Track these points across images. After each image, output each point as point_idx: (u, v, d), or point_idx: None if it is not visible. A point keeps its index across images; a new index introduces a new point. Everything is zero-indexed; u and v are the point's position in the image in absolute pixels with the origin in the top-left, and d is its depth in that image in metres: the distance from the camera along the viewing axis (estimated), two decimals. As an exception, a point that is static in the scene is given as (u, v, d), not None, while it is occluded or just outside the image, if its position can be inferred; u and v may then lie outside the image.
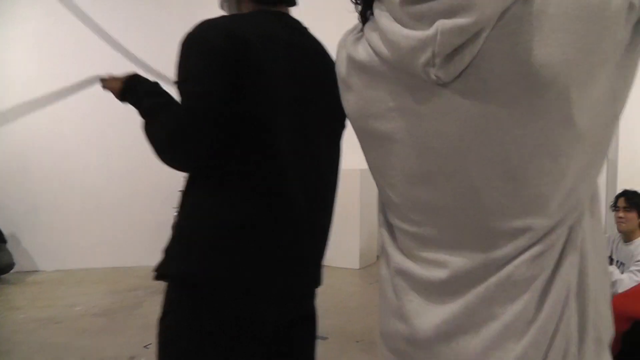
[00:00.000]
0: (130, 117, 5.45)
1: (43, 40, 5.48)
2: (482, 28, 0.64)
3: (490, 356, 0.71)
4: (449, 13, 0.64)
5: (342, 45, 0.85)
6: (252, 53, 1.07)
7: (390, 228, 0.85)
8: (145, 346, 3.47)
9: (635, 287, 2.64)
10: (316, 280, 1.29)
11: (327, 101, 1.04)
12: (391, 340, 0.83)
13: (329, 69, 0.99)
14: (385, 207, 0.86)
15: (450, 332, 0.74)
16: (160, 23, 5.58)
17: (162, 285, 1.23)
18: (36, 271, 5.59)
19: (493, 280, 0.71)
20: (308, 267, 1.24)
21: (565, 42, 0.63)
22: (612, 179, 4.53)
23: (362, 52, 0.78)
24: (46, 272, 5.56)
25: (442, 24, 0.65)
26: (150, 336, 3.44)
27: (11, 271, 5.43)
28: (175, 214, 1.25)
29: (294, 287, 1.21)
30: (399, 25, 0.70)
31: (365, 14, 0.80)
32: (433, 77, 0.68)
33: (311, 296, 1.30)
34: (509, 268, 0.71)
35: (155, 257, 1.18)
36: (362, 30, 0.81)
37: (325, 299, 4.40)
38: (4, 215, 5.39)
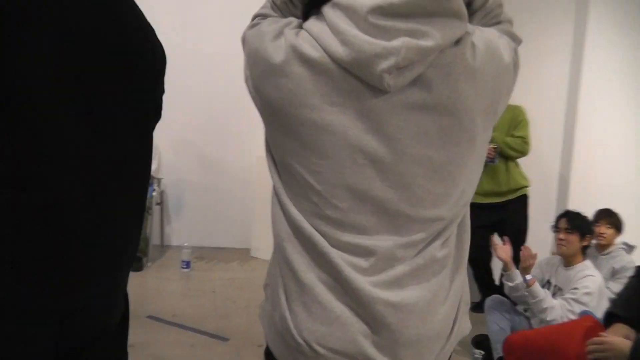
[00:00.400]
0: None
1: None
2: (431, 54, 0.80)
3: (424, 319, 0.88)
4: (411, 34, 0.78)
5: (277, 34, 0.87)
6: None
7: (306, 214, 0.89)
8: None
9: (568, 324, 2.35)
10: (109, 295, 1.03)
11: (136, 86, 0.94)
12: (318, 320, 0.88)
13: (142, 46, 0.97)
14: (297, 193, 0.90)
15: (392, 302, 0.86)
16: None
17: None
18: None
19: (419, 260, 0.88)
20: (88, 282, 0.95)
21: (481, 86, 0.84)
22: (563, 196, 4.34)
23: (308, 47, 0.83)
24: None
25: (408, 40, 0.77)
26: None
27: None
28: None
29: (67, 304, 0.92)
30: (360, 32, 0.79)
31: (309, 12, 0.89)
32: (385, 83, 0.79)
33: (105, 313, 1.03)
34: (430, 250, 0.88)
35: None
36: (298, 26, 0.88)
37: (242, 294, 4.24)
38: None
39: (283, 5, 0.95)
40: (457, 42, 0.82)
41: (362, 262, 0.86)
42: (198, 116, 5.23)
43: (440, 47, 0.80)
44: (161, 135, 5.05)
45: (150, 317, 3.40)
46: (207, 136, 5.27)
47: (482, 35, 0.86)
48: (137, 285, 4.18)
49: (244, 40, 0.94)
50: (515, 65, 0.91)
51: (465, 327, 0.99)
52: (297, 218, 0.89)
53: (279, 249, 0.93)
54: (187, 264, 4.52)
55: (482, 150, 0.91)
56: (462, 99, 0.82)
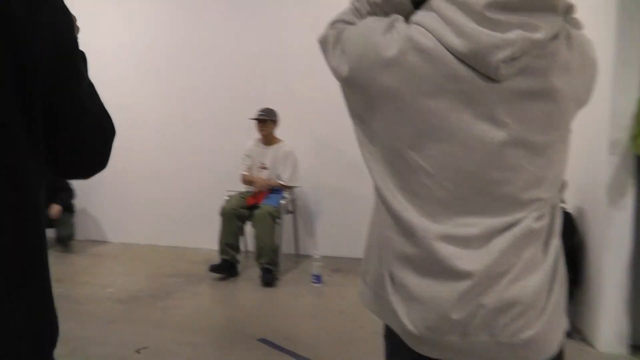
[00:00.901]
0: (193, 98, 4.94)
1: (110, 20, 5.30)
2: (540, 46, 0.89)
3: (517, 286, 0.92)
4: (524, 27, 0.86)
5: (387, 28, 0.93)
6: None
7: (410, 197, 0.94)
8: (137, 350, 2.97)
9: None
10: None
11: None
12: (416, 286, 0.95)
13: None
14: (405, 178, 0.94)
15: (491, 272, 0.91)
16: (220, 15, 5.09)
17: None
18: (104, 242, 5.51)
19: (517, 230, 0.92)
20: None
21: (574, 76, 0.94)
22: None
23: (422, 38, 0.90)
24: (111, 244, 5.45)
25: (522, 33, 0.86)
26: (154, 338, 2.97)
27: (83, 239, 5.44)
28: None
29: None
30: (476, 24, 0.86)
31: (418, 3, 0.96)
32: (500, 73, 0.87)
33: None
34: (526, 222, 0.93)
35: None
36: (406, 20, 0.95)
37: (373, 317, 3.68)
38: (77, 184, 5.33)
39: (375, 10, 1.01)
40: (555, 35, 0.90)
41: (464, 241, 0.91)
42: (336, 120, 4.89)
43: (547, 39, 0.88)
44: (297, 140, 5.08)
45: (262, 339, 3.13)
46: (346, 140, 4.89)
47: (574, 31, 0.95)
48: (264, 300, 3.99)
49: (328, 40, 1.03)
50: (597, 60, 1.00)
51: (562, 304, 0.99)
52: (398, 208, 0.94)
53: (379, 235, 1.01)
54: (318, 278, 4.20)
55: (569, 136, 0.99)
56: (561, 87, 0.91)
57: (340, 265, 4.73)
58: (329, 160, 5.02)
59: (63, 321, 2.90)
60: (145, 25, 5.22)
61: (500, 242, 0.90)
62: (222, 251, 4.39)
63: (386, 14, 0.99)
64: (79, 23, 0.86)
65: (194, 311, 3.67)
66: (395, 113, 0.93)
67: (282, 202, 4.53)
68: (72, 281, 4.24)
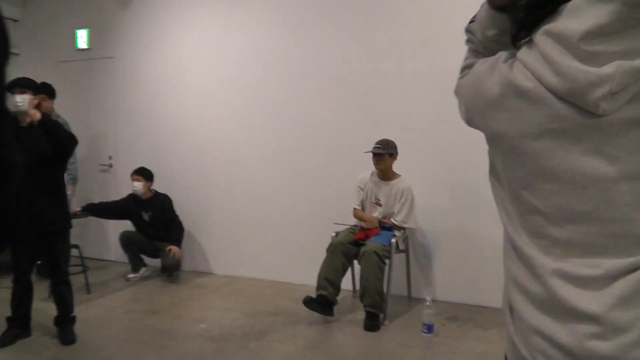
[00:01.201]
0: (302, 128, 4.60)
1: (222, 48, 5.26)
2: None
3: None
4: (624, 55, 0.78)
5: (490, 70, 0.94)
6: None
7: (531, 236, 0.92)
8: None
9: None
10: None
11: None
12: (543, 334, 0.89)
13: None
14: (525, 218, 0.93)
15: (613, 317, 0.83)
16: (331, 40, 4.83)
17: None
18: (209, 274, 5.38)
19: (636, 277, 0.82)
20: None
21: None
22: None
23: (521, 78, 0.87)
24: (216, 276, 5.29)
25: (621, 64, 0.78)
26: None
27: (189, 270, 5.38)
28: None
29: None
30: (574, 60, 0.81)
31: (518, 39, 0.92)
32: (601, 109, 0.80)
33: None
34: None
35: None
36: (510, 56, 0.93)
37: None
38: (185, 214, 5.32)
39: (489, 45, 1.04)
40: None
41: (585, 282, 0.86)
42: (458, 153, 4.38)
43: None
44: (413, 173, 4.51)
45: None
46: (467, 176, 4.34)
47: None
48: (365, 347, 3.48)
49: (458, 91, 1.07)
50: None
51: None
52: (520, 244, 0.93)
53: (505, 267, 0.99)
54: (429, 328, 3.61)
55: None
56: None
57: (457, 313, 4.09)
58: (447, 197, 4.45)
59: (148, 356, 2.62)
60: (254, 55, 5.12)
61: (624, 285, 0.83)
62: (320, 286, 3.99)
63: (501, 45, 1.00)
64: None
65: (287, 356, 3.28)
66: (507, 155, 0.93)
67: (393, 240, 4.04)
68: (168, 314, 4.08)
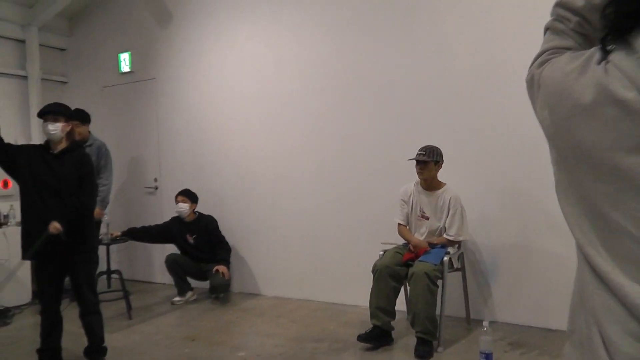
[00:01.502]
0: (346, 142, 4.14)
1: (261, 63, 5.10)
2: None
3: None
4: None
5: (581, 71, 0.84)
6: None
7: (616, 260, 0.83)
8: None
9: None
10: None
11: None
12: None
13: None
14: (608, 239, 0.84)
15: None
16: (371, 50, 4.53)
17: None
18: (258, 295, 5.18)
19: None
20: None
21: None
22: None
23: (619, 85, 0.78)
24: (264, 298, 5.08)
25: None
26: None
27: (238, 291, 5.22)
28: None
29: None
30: None
31: (607, 41, 0.82)
32: None
33: None
34: None
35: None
36: (602, 58, 0.82)
37: None
38: (232, 234, 5.17)
39: (578, 27, 0.93)
40: None
41: None
42: (510, 159, 3.98)
43: None
44: (463, 183, 4.04)
45: None
46: (524, 184, 3.91)
47: None
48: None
49: (534, 81, 0.93)
50: None
51: None
52: (604, 269, 0.84)
53: (585, 299, 0.88)
54: (487, 357, 3.19)
55: None
56: None
57: (521, 337, 3.64)
58: (503, 206, 4.02)
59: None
60: (293, 68, 4.91)
61: None
62: (373, 315, 3.67)
63: (594, 30, 0.90)
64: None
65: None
66: (593, 169, 0.83)
67: (446, 258, 3.66)
68: (207, 340, 3.89)
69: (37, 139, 6.06)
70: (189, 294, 5.02)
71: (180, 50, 5.51)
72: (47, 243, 3.17)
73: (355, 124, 4.61)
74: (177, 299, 4.96)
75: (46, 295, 3.28)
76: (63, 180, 3.18)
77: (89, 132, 4.97)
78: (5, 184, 5.89)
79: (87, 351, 3.42)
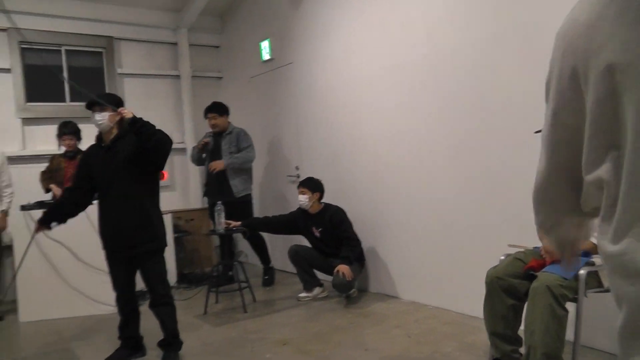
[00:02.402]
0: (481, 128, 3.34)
1: (386, 30, 4.32)
2: None
3: None
4: None
5: None
6: None
7: None
8: None
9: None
10: None
11: None
12: None
13: None
14: None
15: None
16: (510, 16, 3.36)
17: None
18: (394, 297, 4.51)
19: None
20: None
21: None
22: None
23: None
24: (400, 302, 4.38)
25: None
26: None
27: (376, 291, 4.69)
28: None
29: None
30: None
31: None
32: None
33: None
34: None
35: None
36: None
37: None
38: (367, 228, 4.63)
39: None
40: None
41: None
42: None
43: None
44: None
45: None
46: None
47: None
48: None
49: None
50: None
51: None
52: None
53: None
54: None
55: None
56: None
57: None
58: None
59: None
60: (427, 47, 4.06)
61: None
62: (492, 343, 2.77)
63: None
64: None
65: None
66: None
67: (582, 272, 2.48)
68: (296, 347, 3.43)
69: (189, 132, 6.45)
70: (317, 290, 4.63)
71: (311, 28, 5.14)
72: (108, 234, 3.17)
73: (500, 91, 3.55)
74: (302, 294, 4.62)
75: (118, 286, 3.27)
76: (120, 168, 3.11)
77: (229, 122, 5.23)
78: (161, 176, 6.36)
79: (161, 343, 3.31)
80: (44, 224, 3.21)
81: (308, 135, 5.34)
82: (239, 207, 5.03)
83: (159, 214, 3.29)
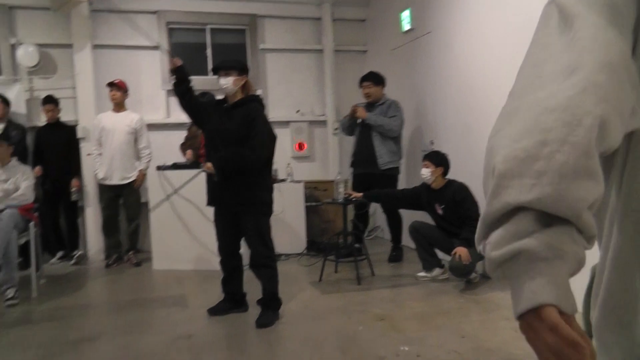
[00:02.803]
0: None
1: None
2: None
3: None
4: None
5: None
6: None
7: None
8: None
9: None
10: None
11: None
12: None
13: None
14: None
15: None
16: None
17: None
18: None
19: None
20: None
21: None
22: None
23: None
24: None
25: None
26: None
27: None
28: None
29: None
30: None
31: None
32: None
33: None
34: None
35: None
36: None
37: None
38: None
39: None
40: None
41: None
42: None
43: None
44: None
45: None
46: None
47: None
48: None
49: None
50: None
51: None
52: None
53: None
54: None
55: None
56: None
57: None
58: None
59: None
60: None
61: None
62: None
63: None
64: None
65: None
66: None
67: None
68: (392, 324, 3.34)
69: (330, 105, 6.54)
70: (437, 271, 4.41)
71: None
72: (214, 190, 3.38)
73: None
74: (421, 274, 4.45)
75: (222, 242, 3.49)
76: (232, 131, 3.29)
77: (383, 93, 5.20)
78: (300, 147, 6.58)
79: (260, 301, 3.47)
80: (178, 69, 3.39)
81: (444, 109, 5.05)
82: (382, 180, 4.98)
83: (266, 178, 3.41)
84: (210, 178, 3.43)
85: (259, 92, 6.31)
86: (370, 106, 5.12)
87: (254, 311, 3.50)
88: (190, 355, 2.91)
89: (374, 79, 5.12)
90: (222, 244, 3.50)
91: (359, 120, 5.11)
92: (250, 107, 3.35)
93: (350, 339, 3.12)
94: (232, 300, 3.58)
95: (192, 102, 3.42)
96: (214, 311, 3.55)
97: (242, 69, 3.38)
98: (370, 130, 5.05)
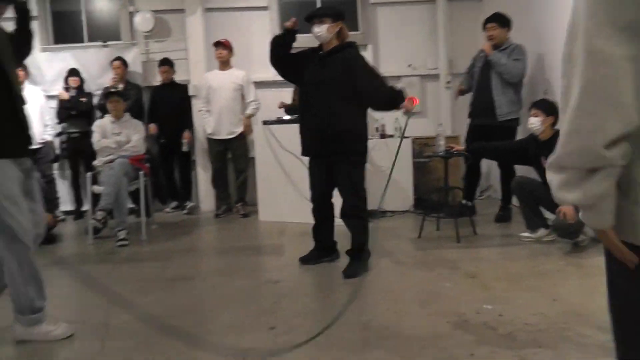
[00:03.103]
0: None
1: None
2: None
3: None
4: None
5: None
6: None
7: None
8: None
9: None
10: None
11: None
12: None
13: None
14: None
15: None
16: None
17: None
18: None
19: None
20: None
21: None
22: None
23: None
24: None
25: None
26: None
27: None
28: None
29: None
30: None
31: None
32: None
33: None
34: None
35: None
36: None
37: None
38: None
39: None
40: None
41: None
42: None
43: None
44: None
45: None
46: None
47: None
48: None
49: None
50: None
51: None
52: None
53: None
54: None
55: None
56: None
57: None
58: None
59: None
60: None
61: None
62: None
63: None
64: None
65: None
66: None
67: None
68: (482, 281, 3.23)
69: (444, 58, 6.22)
70: (542, 231, 4.11)
71: None
72: (309, 139, 3.43)
73: None
74: (525, 234, 4.18)
75: (315, 191, 3.56)
76: (328, 79, 3.30)
77: (508, 36, 4.89)
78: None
79: (349, 252, 3.52)
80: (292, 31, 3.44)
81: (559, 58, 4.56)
82: (499, 132, 4.70)
83: (361, 128, 3.40)
84: (304, 127, 3.49)
85: (369, 47, 6.24)
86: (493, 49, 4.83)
87: (345, 261, 3.55)
88: (273, 299, 3.07)
89: (500, 20, 4.83)
90: (315, 193, 3.56)
91: (480, 64, 4.89)
92: (347, 52, 3.32)
93: (434, 293, 3.06)
94: (322, 248, 3.66)
95: (286, 57, 3.48)
96: (305, 260, 3.67)
97: (336, 16, 3.34)
98: (490, 76, 4.77)
